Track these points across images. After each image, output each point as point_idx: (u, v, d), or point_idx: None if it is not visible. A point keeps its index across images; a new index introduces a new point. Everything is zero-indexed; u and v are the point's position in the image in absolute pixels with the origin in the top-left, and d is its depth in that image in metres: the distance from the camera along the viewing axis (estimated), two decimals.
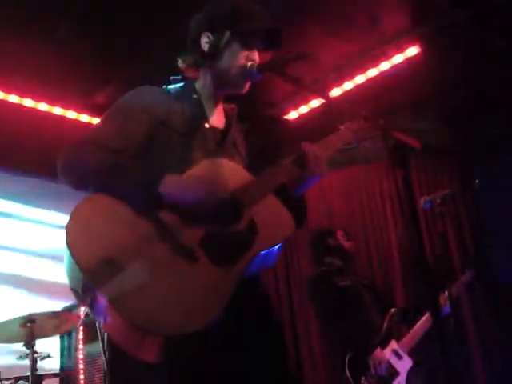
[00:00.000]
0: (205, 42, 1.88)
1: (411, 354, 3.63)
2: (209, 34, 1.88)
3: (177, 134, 1.80)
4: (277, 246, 1.74)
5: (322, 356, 5.54)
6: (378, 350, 3.59)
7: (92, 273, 1.48)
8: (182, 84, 1.95)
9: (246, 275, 1.66)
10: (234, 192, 1.70)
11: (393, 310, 3.78)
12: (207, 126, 1.89)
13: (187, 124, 1.83)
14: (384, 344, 3.64)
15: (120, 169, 1.67)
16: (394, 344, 3.63)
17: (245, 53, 1.86)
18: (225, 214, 1.66)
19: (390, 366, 3.55)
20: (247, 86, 1.91)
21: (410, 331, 3.70)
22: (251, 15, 1.88)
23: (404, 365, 3.58)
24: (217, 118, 1.95)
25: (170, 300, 1.52)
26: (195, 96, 1.91)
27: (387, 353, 3.59)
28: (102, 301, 1.47)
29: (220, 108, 1.99)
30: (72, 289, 1.56)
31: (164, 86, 1.96)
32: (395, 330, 3.71)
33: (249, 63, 1.85)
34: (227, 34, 1.85)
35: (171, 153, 1.78)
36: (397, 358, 3.58)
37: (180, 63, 1.95)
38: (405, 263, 5.31)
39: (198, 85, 1.94)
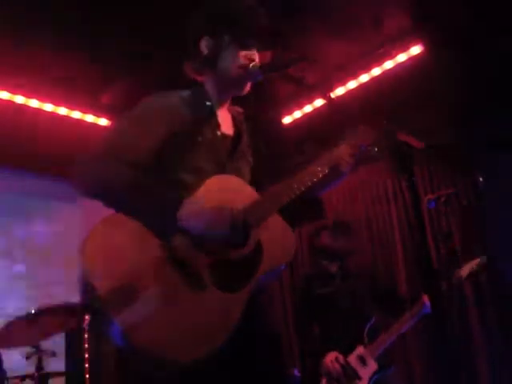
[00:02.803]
0: (204, 45, 1.89)
1: (379, 359, 3.55)
2: (207, 37, 1.88)
3: (189, 143, 1.81)
4: (286, 263, 1.77)
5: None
6: (329, 355, 3.51)
7: (108, 300, 1.51)
8: (193, 89, 1.94)
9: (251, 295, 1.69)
10: (242, 213, 1.70)
11: (372, 319, 3.68)
12: (219, 133, 1.88)
13: (200, 133, 1.83)
14: (350, 350, 3.57)
15: (144, 191, 1.68)
16: (360, 349, 3.56)
17: (244, 53, 1.85)
18: (234, 240, 1.68)
19: (352, 370, 3.49)
20: (248, 87, 1.91)
21: (379, 338, 3.60)
22: (247, 15, 1.88)
23: (368, 370, 3.52)
24: (226, 124, 1.94)
25: (177, 329, 1.54)
26: (209, 103, 1.90)
27: (351, 358, 3.53)
28: (115, 325, 1.49)
29: (227, 112, 1.98)
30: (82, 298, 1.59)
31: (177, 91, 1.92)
32: (368, 337, 3.62)
33: (250, 64, 1.84)
34: (226, 36, 1.85)
35: (183, 163, 1.79)
36: (361, 363, 3.52)
37: (184, 67, 1.94)
38: (409, 262, 5.32)
39: (206, 89, 1.93)
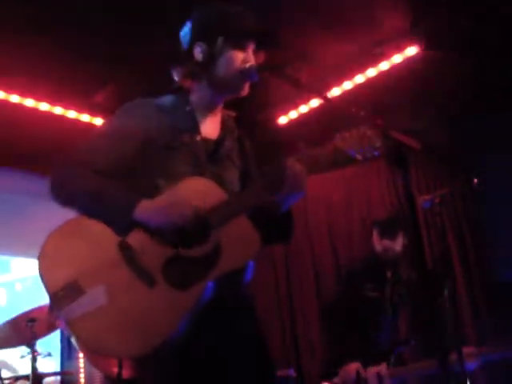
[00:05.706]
0: (198, 52, 1.89)
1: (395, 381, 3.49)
2: (201, 43, 1.89)
3: (166, 149, 1.83)
4: (245, 265, 1.79)
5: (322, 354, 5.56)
6: (350, 365, 3.47)
7: (56, 296, 1.62)
8: (176, 95, 1.96)
9: (212, 294, 1.70)
10: (205, 214, 1.72)
11: (411, 341, 3.64)
12: (199, 138, 1.89)
13: (177, 138, 1.86)
14: (375, 363, 3.51)
15: (103, 194, 1.73)
16: (383, 367, 3.49)
17: (240, 55, 1.87)
18: (191, 236, 1.70)
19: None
20: (247, 87, 1.92)
21: (403, 367, 3.58)
22: (240, 17, 1.90)
23: None
24: (211, 129, 1.95)
25: (122, 324, 1.61)
26: (189, 108, 1.92)
27: (371, 373, 3.46)
28: (63, 323, 1.61)
29: (217, 117, 1.99)
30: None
31: (158, 97, 1.96)
32: (395, 359, 3.58)
33: (247, 65, 1.86)
34: (220, 40, 1.86)
35: (159, 169, 1.82)
36: (377, 381, 3.44)
37: (175, 74, 1.95)
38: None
39: (193, 95, 1.95)
